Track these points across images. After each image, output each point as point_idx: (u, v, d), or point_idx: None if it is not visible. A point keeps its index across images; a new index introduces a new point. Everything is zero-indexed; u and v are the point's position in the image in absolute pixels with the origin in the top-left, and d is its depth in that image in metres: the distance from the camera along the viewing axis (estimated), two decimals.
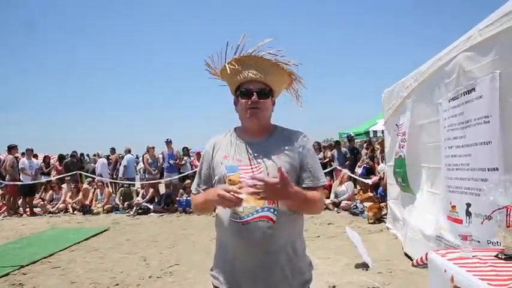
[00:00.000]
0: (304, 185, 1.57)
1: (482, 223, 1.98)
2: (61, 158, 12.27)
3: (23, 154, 10.99)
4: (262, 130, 1.65)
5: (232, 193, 1.39)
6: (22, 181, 10.12)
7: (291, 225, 1.55)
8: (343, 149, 11.12)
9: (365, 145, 11.91)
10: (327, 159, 11.18)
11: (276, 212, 1.48)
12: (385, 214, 6.85)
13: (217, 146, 1.67)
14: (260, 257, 1.49)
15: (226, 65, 1.62)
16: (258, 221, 1.46)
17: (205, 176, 1.69)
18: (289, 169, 1.54)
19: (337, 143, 11.61)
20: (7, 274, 4.56)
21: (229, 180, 1.53)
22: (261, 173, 1.52)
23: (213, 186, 1.65)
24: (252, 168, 1.54)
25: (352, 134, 13.05)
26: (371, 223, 6.82)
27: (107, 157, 13.04)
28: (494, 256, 1.92)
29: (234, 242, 1.52)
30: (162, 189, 10.98)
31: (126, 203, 9.82)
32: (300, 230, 1.63)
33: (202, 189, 1.69)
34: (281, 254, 1.51)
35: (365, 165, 10.46)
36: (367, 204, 7.43)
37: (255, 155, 1.57)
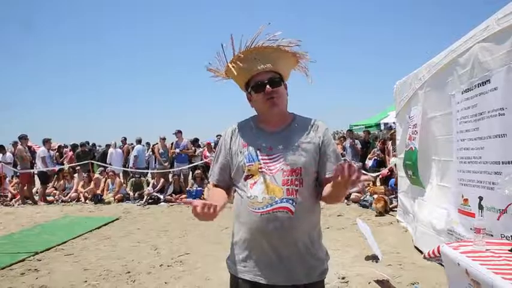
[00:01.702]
0: (328, 175, 1.56)
1: (498, 219, 1.96)
2: (74, 147, 12.44)
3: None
4: (281, 119, 1.64)
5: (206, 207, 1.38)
6: (36, 170, 10.33)
7: (309, 215, 1.55)
8: (355, 141, 11.06)
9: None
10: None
11: (294, 203, 1.48)
12: (395, 207, 6.82)
13: (235, 135, 1.66)
14: (278, 247, 1.50)
15: (230, 66, 1.61)
16: (277, 212, 1.47)
17: (221, 164, 1.68)
18: (309, 158, 1.54)
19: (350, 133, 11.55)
20: (23, 260, 4.69)
21: (249, 170, 1.54)
22: (281, 163, 1.52)
23: (231, 175, 1.65)
24: (271, 159, 1.54)
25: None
26: (378, 215, 6.79)
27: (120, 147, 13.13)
28: (509, 250, 1.90)
29: (252, 232, 1.53)
30: None
31: (136, 193, 9.95)
32: (318, 221, 1.64)
33: (215, 181, 1.69)
34: (299, 244, 1.52)
35: (375, 157, 10.38)
36: (377, 195, 7.38)
37: (275, 145, 1.56)
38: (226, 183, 1.69)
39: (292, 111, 1.72)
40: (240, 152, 1.59)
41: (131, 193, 10.11)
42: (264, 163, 1.53)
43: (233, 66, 1.60)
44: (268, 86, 1.55)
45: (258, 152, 1.56)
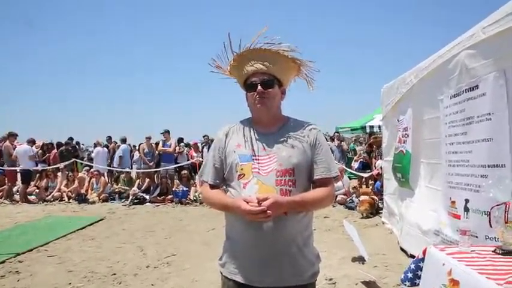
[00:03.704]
0: (316, 177, 1.59)
1: (491, 226, 2.02)
2: (58, 145, 12.19)
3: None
4: (274, 121, 1.66)
5: (256, 207, 1.39)
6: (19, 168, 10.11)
7: (302, 217, 1.57)
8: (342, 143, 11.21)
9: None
10: None
11: None
12: (381, 208, 6.90)
13: (230, 134, 1.68)
14: (270, 247, 1.50)
15: (229, 64, 1.67)
16: None
17: (216, 163, 1.67)
18: (302, 160, 1.56)
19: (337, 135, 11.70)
20: (3, 261, 4.56)
21: (241, 169, 1.55)
22: (274, 163, 1.54)
23: (224, 174, 1.65)
24: (265, 159, 1.55)
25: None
26: (363, 218, 6.86)
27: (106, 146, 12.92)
28: (492, 251, 1.95)
29: (244, 233, 1.53)
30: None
31: (126, 192, 9.82)
32: (310, 222, 1.65)
33: (212, 181, 1.67)
34: (291, 244, 1.53)
35: (361, 159, 10.53)
36: (362, 198, 7.46)
37: (268, 146, 1.59)
38: (221, 184, 1.69)
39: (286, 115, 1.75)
40: (234, 152, 1.60)
41: (122, 188, 10.00)
42: (257, 163, 1.55)
43: (233, 65, 1.65)
44: (259, 87, 1.58)
45: (251, 152, 1.58)
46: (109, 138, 13.01)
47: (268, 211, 1.38)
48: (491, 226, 2.10)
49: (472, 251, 1.94)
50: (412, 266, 2.18)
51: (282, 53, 1.62)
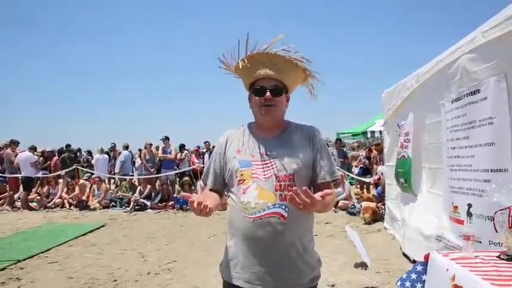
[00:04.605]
0: (320, 180, 1.59)
1: (497, 231, 2.00)
2: (60, 152, 12.19)
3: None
4: (275, 126, 1.66)
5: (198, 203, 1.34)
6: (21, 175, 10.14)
7: (302, 221, 1.56)
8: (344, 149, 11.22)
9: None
10: None
11: (287, 209, 1.49)
12: (383, 214, 6.86)
13: (230, 139, 1.68)
14: (271, 252, 1.50)
15: (239, 62, 1.63)
16: (270, 217, 1.48)
17: (216, 168, 1.68)
18: (302, 165, 1.56)
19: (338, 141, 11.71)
20: (4, 268, 4.53)
21: (241, 174, 1.55)
22: (274, 169, 1.53)
23: (224, 179, 1.66)
24: (265, 164, 1.55)
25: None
26: (366, 224, 6.82)
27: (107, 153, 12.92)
28: (496, 257, 1.93)
29: (245, 238, 1.53)
30: None
31: (125, 198, 9.81)
32: (310, 227, 1.65)
33: (212, 185, 1.68)
34: (291, 249, 1.52)
35: (361, 165, 10.51)
36: (365, 204, 7.42)
37: (269, 151, 1.58)
38: (220, 188, 1.70)
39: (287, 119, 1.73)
40: (234, 157, 1.60)
41: (123, 195, 9.99)
42: (257, 168, 1.54)
43: (242, 64, 1.62)
44: (268, 93, 1.57)
45: (251, 157, 1.57)
46: (114, 146, 13.00)
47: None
48: (496, 231, 2.08)
49: (476, 256, 1.92)
50: (410, 269, 2.17)
51: (295, 62, 1.61)
